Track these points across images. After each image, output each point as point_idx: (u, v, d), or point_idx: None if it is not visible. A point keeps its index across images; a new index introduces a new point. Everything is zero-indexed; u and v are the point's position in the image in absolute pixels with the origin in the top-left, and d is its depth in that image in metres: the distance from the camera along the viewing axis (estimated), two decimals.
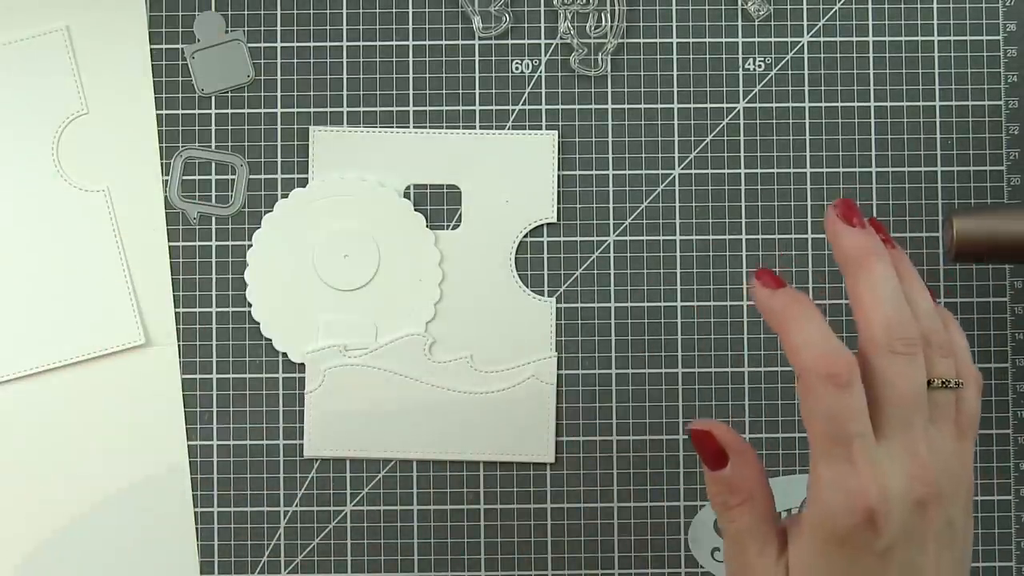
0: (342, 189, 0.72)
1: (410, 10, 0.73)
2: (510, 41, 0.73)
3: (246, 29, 0.73)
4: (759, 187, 0.73)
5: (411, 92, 0.73)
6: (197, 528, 0.72)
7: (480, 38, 0.73)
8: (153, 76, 0.72)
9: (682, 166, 0.73)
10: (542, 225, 0.73)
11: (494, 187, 0.72)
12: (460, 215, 0.72)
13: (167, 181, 0.72)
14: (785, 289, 0.53)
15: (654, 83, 0.73)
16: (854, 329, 0.53)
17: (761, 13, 0.73)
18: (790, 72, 0.73)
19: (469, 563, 0.72)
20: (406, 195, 0.72)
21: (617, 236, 0.73)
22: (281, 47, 0.73)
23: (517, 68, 0.73)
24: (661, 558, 0.72)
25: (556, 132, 0.73)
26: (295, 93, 0.73)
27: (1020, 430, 0.73)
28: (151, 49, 0.73)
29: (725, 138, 0.73)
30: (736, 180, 0.73)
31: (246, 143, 0.73)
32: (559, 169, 0.73)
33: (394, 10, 0.73)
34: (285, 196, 0.72)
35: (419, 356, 0.72)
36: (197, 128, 0.72)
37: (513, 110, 0.73)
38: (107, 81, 0.72)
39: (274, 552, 0.72)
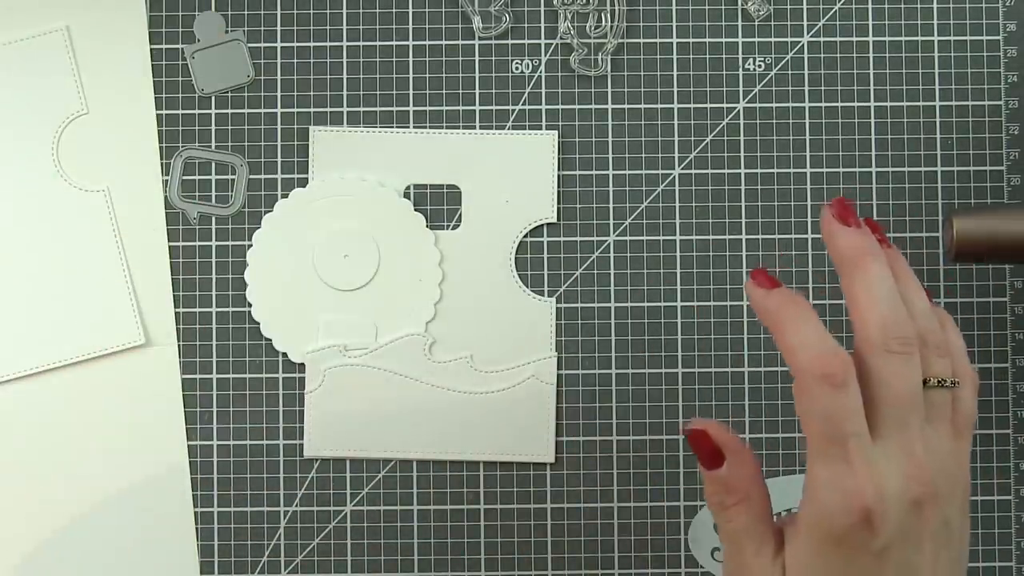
0: (342, 189, 0.72)
1: (410, 10, 0.73)
2: (510, 41, 0.73)
3: (246, 29, 0.73)
4: (759, 187, 0.73)
5: (411, 92, 0.73)
6: (197, 528, 0.72)
7: (480, 38, 0.73)
8: (153, 76, 0.73)
9: (682, 166, 0.73)
10: (542, 225, 0.73)
11: (494, 187, 0.72)
12: (460, 215, 0.72)
13: (167, 181, 0.72)
14: (780, 289, 0.53)
15: (654, 83, 0.73)
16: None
17: (761, 13, 0.73)
18: (790, 72, 0.73)
19: (469, 563, 0.72)
20: (406, 195, 0.72)
21: (617, 236, 0.73)
22: (281, 47, 0.73)
23: (517, 68, 0.73)
24: (661, 558, 0.72)
25: (556, 132, 0.73)
26: (295, 93, 0.73)
27: (1020, 430, 0.73)
28: (151, 49, 0.73)
29: (725, 138, 0.73)
30: (736, 180, 0.73)
31: (246, 143, 0.73)
32: (559, 169, 0.73)
33: (394, 10, 0.73)
34: (285, 196, 0.72)
35: (419, 356, 0.72)
36: (197, 128, 0.73)
37: (513, 110, 0.73)
38: (107, 81, 0.72)
39: (274, 552, 0.72)
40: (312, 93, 0.73)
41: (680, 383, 0.72)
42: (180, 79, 0.73)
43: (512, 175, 0.72)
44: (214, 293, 0.72)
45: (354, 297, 0.72)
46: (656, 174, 0.73)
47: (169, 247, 0.72)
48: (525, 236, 0.72)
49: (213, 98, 0.73)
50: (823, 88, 0.73)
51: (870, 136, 0.73)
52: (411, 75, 0.73)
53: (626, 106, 0.73)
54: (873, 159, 0.73)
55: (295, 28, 0.73)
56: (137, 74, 0.72)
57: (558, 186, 0.73)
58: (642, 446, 0.72)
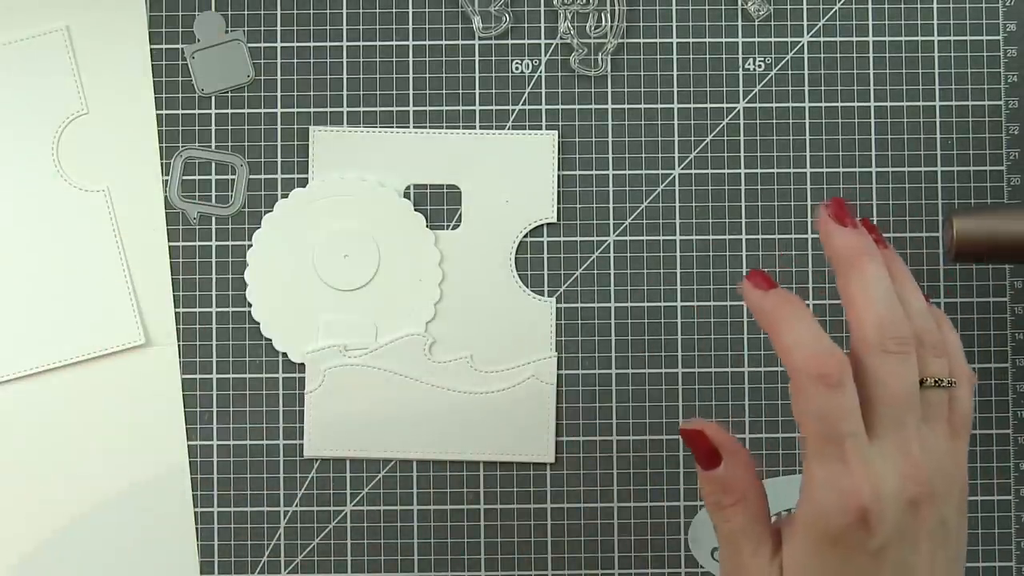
0: (342, 189, 0.72)
1: (410, 10, 0.73)
2: (510, 41, 0.73)
3: (246, 29, 0.73)
4: (759, 187, 0.73)
5: (411, 92, 0.73)
6: (197, 528, 0.72)
7: (480, 38, 0.73)
8: (153, 76, 0.73)
9: (682, 166, 0.73)
10: (542, 225, 0.73)
11: (494, 187, 0.72)
12: (460, 215, 0.72)
13: (167, 181, 0.72)
14: (776, 290, 0.53)
15: (654, 83, 0.73)
16: None
17: (761, 13, 0.73)
18: (790, 72, 0.73)
19: (469, 563, 0.72)
20: (406, 195, 0.72)
21: (617, 236, 0.73)
22: (281, 47, 0.73)
23: (517, 68, 0.73)
24: (661, 558, 0.72)
25: (556, 132, 0.73)
26: (295, 93, 0.73)
27: (1020, 430, 0.72)
28: (151, 49, 0.73)
29: (725, 138, 0.73)
30: (736, 180, 0.73)
31: (246, 143, 0.73)
32: (559, 169, 0.73)
33: (394, 10, 0.73)
34: (285, 196, 0.72)
35: (419, 356, 0.72)
36: (197, 128, 0.73)
37: (513, 110, 0.73)
38: (107, 81, 0.72)
39: (274, 552, 0.72)
40: (312, 93, 0.73)
41: (680, 383, 0.72)
42: (180, 79, 0.73)
43: (512, 175, 0.72)
44: (214, 293, 0.72)
45: (354, 297, 0.72)
46: (656, 174, 0.73)
47: (169, 247, 0.72)
48: (525, 236, 0.72)
49: (213, 98, 0.73)
50: (823, 88, 0.73)
51: (870, 136, 0.73)
52: (411, 75, 0.73)
53: (626, 106, 0.73)
54: (873, 159, 0.73)
55: (295, 28, 0.73)
56: (137, 74, 0.72)
57: (558, 186, 0.73)
58: (642, 446, 0.72)
